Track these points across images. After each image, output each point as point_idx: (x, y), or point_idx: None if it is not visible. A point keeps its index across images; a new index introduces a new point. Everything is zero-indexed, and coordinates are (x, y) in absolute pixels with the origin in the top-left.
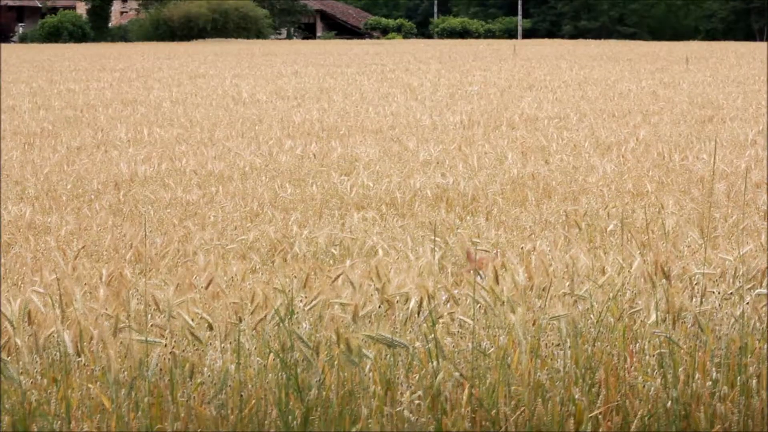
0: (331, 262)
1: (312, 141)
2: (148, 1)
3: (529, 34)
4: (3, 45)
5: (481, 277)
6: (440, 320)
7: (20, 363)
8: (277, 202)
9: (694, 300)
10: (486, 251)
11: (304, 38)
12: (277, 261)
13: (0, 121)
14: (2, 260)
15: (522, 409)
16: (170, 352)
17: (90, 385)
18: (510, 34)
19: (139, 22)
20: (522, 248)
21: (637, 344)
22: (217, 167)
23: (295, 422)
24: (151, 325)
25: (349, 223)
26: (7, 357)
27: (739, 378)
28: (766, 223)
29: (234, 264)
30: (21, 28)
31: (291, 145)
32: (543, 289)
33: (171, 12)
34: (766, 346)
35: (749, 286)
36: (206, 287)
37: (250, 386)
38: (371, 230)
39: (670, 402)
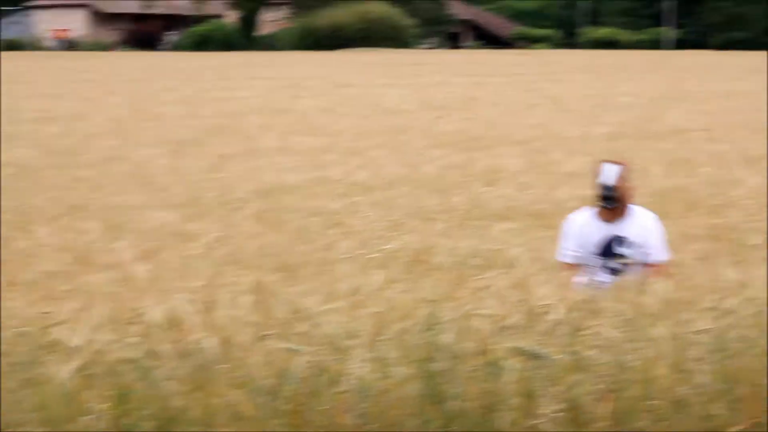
0: (473, 272)
1: (457, 151)
2: (296, 9)
3: (678, 45)
4: (152, 53)
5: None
6: (583, 332)
7: (164, 368)
8: (420, 212)
9: None
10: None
11: (450, 48)
12: (420, 270)
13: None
14: (149, 266)
15: (662, 423)
16: (313, 361)
17: (233, 392)
18: (658, 45)
19: (287, 31)
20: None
21: None
22: (362, 176)
23: None
24: (294, 333)
25: (493, 234)
26: (152, 362)
27: None
28: None
29: (376, 273)
30: (171, 37)
31: (435, 155)
32: (688, 303)
33: (319, 21)
34: None
35: None
36: (350, 296)
37: (391, 396)
38: (514, 241)
39: None
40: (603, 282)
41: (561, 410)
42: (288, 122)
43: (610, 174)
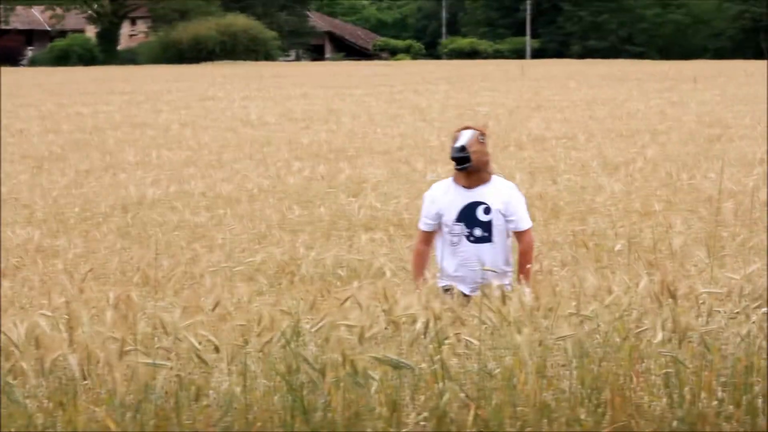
0: (338, 283)
1: (320, 162)
2: (156, 23)
3: (537, 54)
4: (12, 69)
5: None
6: (446, 341)
7: (26, 386)
8: (285, 224)
9: (700, 319)
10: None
11: (312, 60)
12: (285, 283)
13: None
14: (10, 283)
15: (528, 429)
16: (176, 375)
17: (96, 408)
18: (519, 54)
19: (148, 44)
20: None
21: (643, 364)
22: (225, 189)
23: None
24: (158, 348)
25: (357, 245)
26: (14, 380)
27: (745, 397)
28: None
29: (241, 286)
30: (30, 52)
31: (299, 166)
32: (550, 310)
33: (180, 34)
34: None
35: (755, 305)
36: (213, 310)
37: (255, 408)
38: (379, 251)
39: (676, 422)
40: (464, 252)
41: (426, 419)
42: (149, 136)
43: (463, 137)
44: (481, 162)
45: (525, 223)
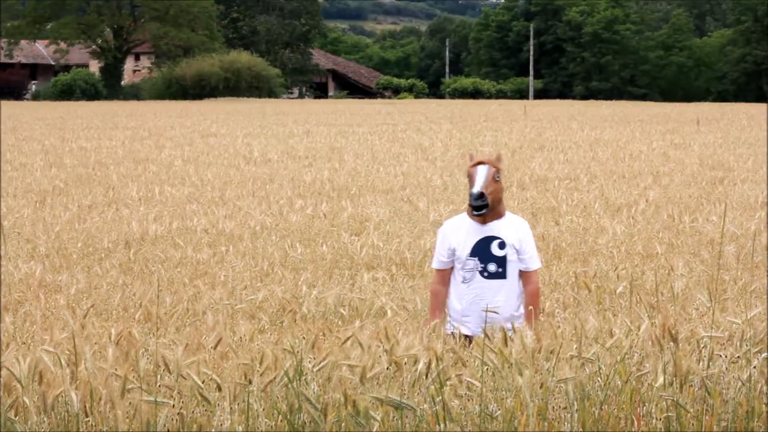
0: (339, 322)
1: (322, 201)
2: (160, 59)
3: (540, 94)
4: (16, 102)
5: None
6: (448, 382)
7: (28, 423)
8: (287, 262)
9: (701, 363)
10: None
11: (315, 97)
12: (287, 321)
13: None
14: (12, 318)
15: None
16: (178, 413)
17: None
18: (521, 94)
19: (152, 80)
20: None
21: (645, 407)
22: (228, 226)
23: None
24: (160, 386)
25: (359, 284)
26: (15, 416)
27: None
28: None
29: (242, 324)
30: (34, 86)
31: (301, 204)
32: (551, 352)
33: (183, 70)
34: None
35: (756, 349)
36: (215, 347)
37: None
38: (380, 291)
39: None
40: (477, 288)
41: None
42: (152, 172)
43: (479, 178)
44: (496, 200)
45: (535, 262)
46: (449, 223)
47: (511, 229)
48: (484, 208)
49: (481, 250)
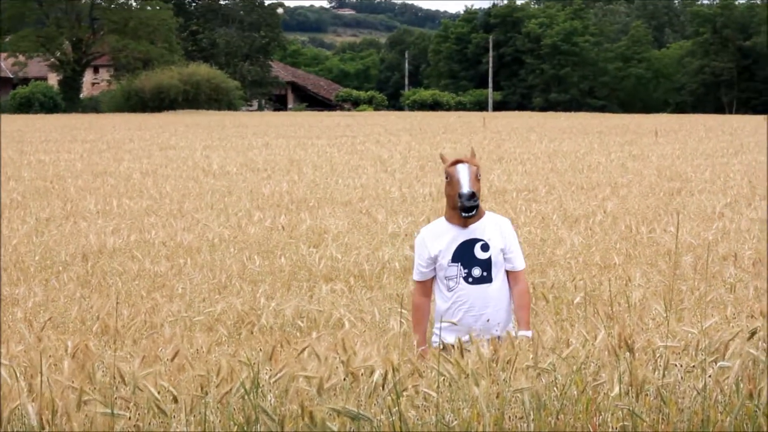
0: (297, 334)
1: (281, 213)
2: (119, 72)
3: (499, 106)
4: None
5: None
6: (405, 393)
7: None
8: (246, 274)
9: (657, 373)
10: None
11: (275, 110)
12: (244, 333)
13: None
14: None
15: None
16: (135, 425)
17: None
18: (481, 106)
19: (111, 93)
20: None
21: (600, 417)
22: (186, 239)
23: None
24: (116, 398)
25: (317, 295)
26: None
27: None
28: (732, 296)
29: (200, 336)
30: None
31: (260, 216)
32: (508, 362)
33: (142, 83)
34: (728, 419)
35: (712, 359)
36: (172, 359)
37: None
38: (339, 302)
39: None
40: (463, 296)
41: None
42: (110, 185)
43: (463, 178)
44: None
45: (521, 262)
46: (426, 231)
47: (495, 229)
48: (475, 208)
49: (464, 254)
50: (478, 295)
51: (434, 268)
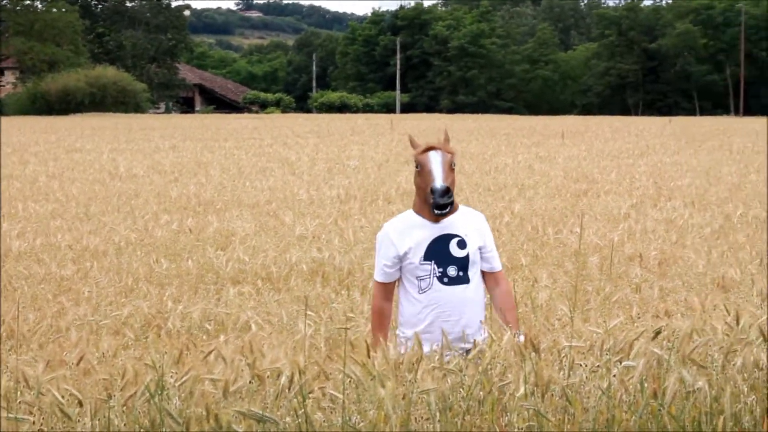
0: (204, 337)
1: (188, 216)
2: (25, 74)
3: (407, 108)
4: None
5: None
6: (311, 395)
7: None
8: (153, 277)
9: (562, 373)
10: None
11: (182, 112)
12: (151, 336)
13: None
14: None
15: None
16: (39, 430)
17: None
18: (388, 108)
19: (16, 95)
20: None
21: (507, 417)
22: (93, 242)
23: None
24: (20, 402)
25: (225, 298)
26: None
27: None
28: (637, 296)
29: (106, 340)
30: None
31: (167, 219)
32: (414, 363)
33: (48, 86)
34: (633, 418)
35: (617, 358)
36: (77, 363)
37: None
38: (246, 305)
39: None
40: (437, 298)
41: None
42: (16, 188)
43: (436, 170)
44: (453, 189)
45: (499, 262)
46: (391, 226)
47: (470, 224)
48: (449, 206)
49: (438, 251)
50: (454, 297)
51: (400, 268)
